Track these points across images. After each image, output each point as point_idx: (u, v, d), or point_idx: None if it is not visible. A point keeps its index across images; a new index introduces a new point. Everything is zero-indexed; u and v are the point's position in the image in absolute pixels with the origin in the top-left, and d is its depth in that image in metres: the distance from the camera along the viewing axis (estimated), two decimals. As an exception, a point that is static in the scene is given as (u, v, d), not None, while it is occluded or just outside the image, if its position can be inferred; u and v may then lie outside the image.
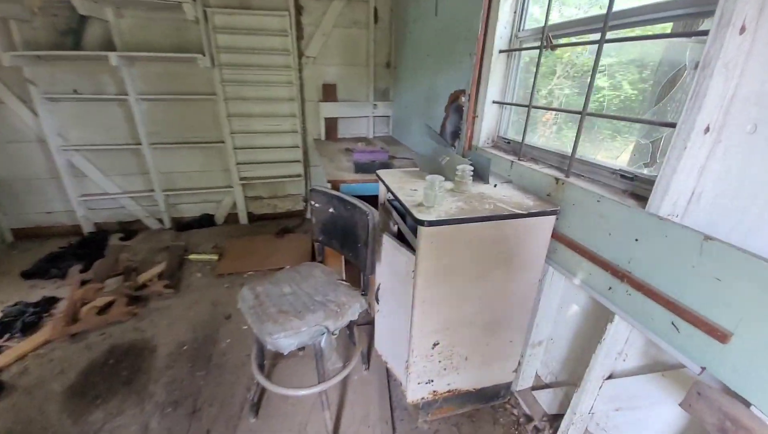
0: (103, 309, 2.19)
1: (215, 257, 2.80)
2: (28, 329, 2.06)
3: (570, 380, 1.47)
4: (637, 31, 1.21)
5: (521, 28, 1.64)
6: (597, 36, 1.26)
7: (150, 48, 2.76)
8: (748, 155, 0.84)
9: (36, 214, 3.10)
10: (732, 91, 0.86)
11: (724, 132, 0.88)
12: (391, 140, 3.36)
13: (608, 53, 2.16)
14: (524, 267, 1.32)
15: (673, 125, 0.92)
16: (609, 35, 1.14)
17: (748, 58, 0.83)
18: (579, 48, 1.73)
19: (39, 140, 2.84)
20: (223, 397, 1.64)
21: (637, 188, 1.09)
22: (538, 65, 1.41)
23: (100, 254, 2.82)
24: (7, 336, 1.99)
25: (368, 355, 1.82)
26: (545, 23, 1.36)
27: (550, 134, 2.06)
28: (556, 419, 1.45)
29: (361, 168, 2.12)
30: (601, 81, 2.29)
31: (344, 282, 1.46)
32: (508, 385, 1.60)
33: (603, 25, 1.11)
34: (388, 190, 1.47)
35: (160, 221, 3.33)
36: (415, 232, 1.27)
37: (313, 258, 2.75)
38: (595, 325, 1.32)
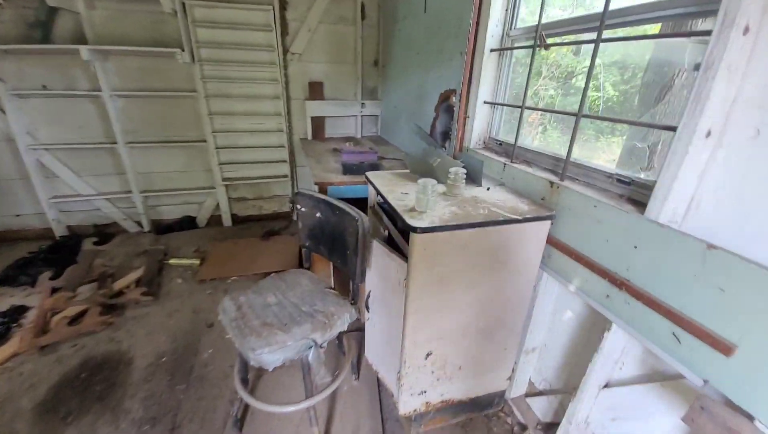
0: (76, 319, 2.07)
1: (197, 261, 2.68)
2: (-5, 341, 1.92)
3: (565, 388, 1.44)
4: (634, 31, 1.18)
5: (513, 26, 1.60)
6: (591, 35, 1.23)
7: (125, 42, 2.62)
8: (750, 161, 0.81)
9: (4, 217, 2.93)
10: (734, 95, 0.83)
11: (725, 136, 0.85)
12: (379, 140, 3.29)
13: (591, 55, 2.16)
14: (519, 273, 1.28)
15: (673, 129, 0.89)
16: (604, 34, 1.10)
17: (750, 60, 0.80)
18: (564, 49, 1.71)
19: (6, 138, 2.67)
20: (204, 412, 1.55)
21: (635, 193, 1.06)
22: (531, 65, 1.37)
23: (73, 260, 2.67)
24: (-30, 349, 1.85)
25: (358, 364, 1.76)
26: (539, 21, 1.32)
27: (536, 135, 2.04)
28: (550, 428, 1.42)
29: (349, 170, 2.05)
30: (583, 83, 2.28)
31: (332, 291, 1.40)
32: (501, 393, 1.56)
33: (599, 23, 1.07)
34: (378, 193, 1.41)
35: (139, 223, 3.19)
36: (406, 237, 1.21)
37: (300, 262, 2.67)
38: (590, 332, 1.29)
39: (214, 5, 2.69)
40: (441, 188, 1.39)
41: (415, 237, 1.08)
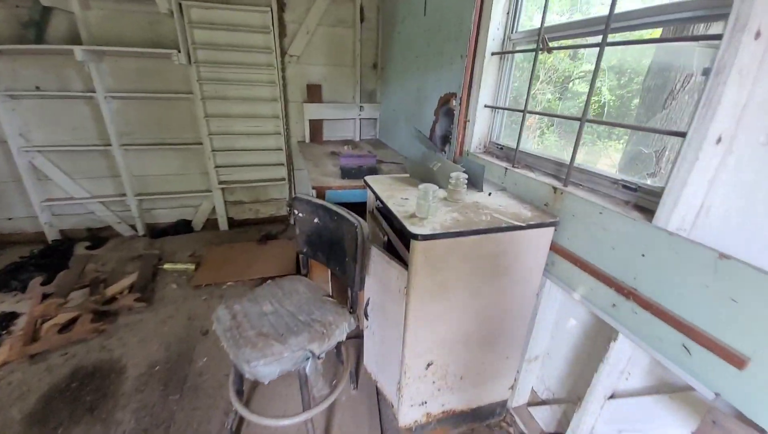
0: (67, 326, 2.02)
1: (192, 266, 2.64)
2: (-17, 349, 1.87)
3: (568, 397, 1.41)
4: (632, 36, 1.16)
5: (514, 30, 1.58)
6: (594, 39, 1.21)
7: (121, 42, 2.58)
8: (761, 167, 0.79)
9: (-6, 220, 2.87)
10: (745, 100, 0.80)
11: (735, 142, 0.83)
12: (378, 143, 3.26)
13: (588, 59, 2.15)
14: (522, 281, 1.26)
15: (682, 135, 0.87)
16: (609, 38, 1.08)
17: (762, 64, 0.78)
18: (562, 53, 1.69)
19: (-1, 140, 2.62)
20: (198, 424, 1.51)
21: (641, 200, 1.04)
22: (533, 68, 1.35)
23: (65, 265, 2.61)
24: (-42, 357, 1.80)
25: (356, 373, 1.72)
26: (542, 25, 1.29)
27: (533, 139, 2.02)
28: (554, 438, 1.39)
29: (347, 174, 2.02)
30: (581, 87, 2.28)
31: (331, 298, 1.36)
32: (503, 403, 1.53)
33: (605, 27, 1.05)
34: (377, 198, 1.38)
35: (133, 227, 3.14)
36: (406, 243, 1.18)
37: (297, 267, 2.63)
38: (595, 341, 1.27)
39: (211, 6, 2.66)
40: (442, 193, 1.36)
41: (416, 244, 1.05)
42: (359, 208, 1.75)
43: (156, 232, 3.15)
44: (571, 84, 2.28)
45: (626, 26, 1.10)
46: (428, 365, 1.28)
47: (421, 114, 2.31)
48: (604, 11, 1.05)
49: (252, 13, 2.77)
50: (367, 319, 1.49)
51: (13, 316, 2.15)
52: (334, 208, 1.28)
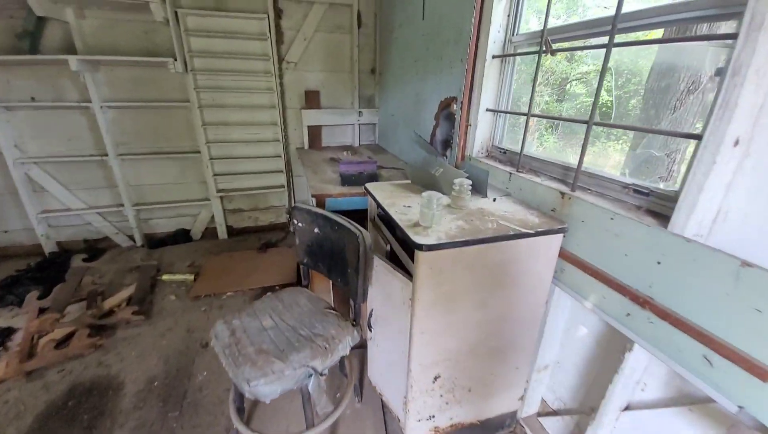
0: (63, 342, 1.97)
1: (191, 276, 2.59)
2: (-21, 366, 1.82)
3: (581, 407, 1.36)
4: (632, 36, 1.13)
5: (515, 32, 1.55)
6: (598, 40, 1.19)
7: (116, 52, 2.56)
8: (781, 170, 0.76)
9: (-10, 233, 2.83)
10: (762, 100, 0.77)
11: (752, 145, 0.79)
12: (377, 148, 3.23)
13: (586, 61, 2.14)
14: (530, 289, 1.22)
15: (698, 137, 0.83)
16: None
17: (779, 63, 0.75)
18: (559, 56, 1.67)
19: (-7, 152, 2.58)
20: (198, 442, 1.46)
21: (654, 205, 1.00)
22: (536, 71, 1.32)
23: (61, 278, 2.57)
24: (-48, 375, 1.75)
25: (361, 385, 1.67)
26: (544, 26, 1.27)
27: (532, 141, 1.99)
28: (566, 451, 1.34)
29: (347, 181, 1.98)
30: (578, 88, 2.26)
31: (333, 311, 1.32)
32: (513, 413, 1.48)
33: (611, 27, 1.02)
34: (379, 206, 1.34)
35: (131, 238, 3.09)
36: (409, 252, 1.14)
37: (298, 275, 2.58)
38: (607, 350, 1.22)
39: (207, 14, 2.64)
40: (445, 200, 1.32)
41: (420, 255, 1.01)
42: (360, 215, 1.71)
43: (154, 242, 3.11)
44: (568, 86, 2.26)
45: (631, 27, 1.08)
46: (435, 378, 1.23)
47: (421, 119, 2.28)
48: (603, 13, 1.02)
49: (249, 20, 2.75)
50: (370, 331, 1.45)
51: (9, 331, 2.11)
52: (335, 217, 1.24)
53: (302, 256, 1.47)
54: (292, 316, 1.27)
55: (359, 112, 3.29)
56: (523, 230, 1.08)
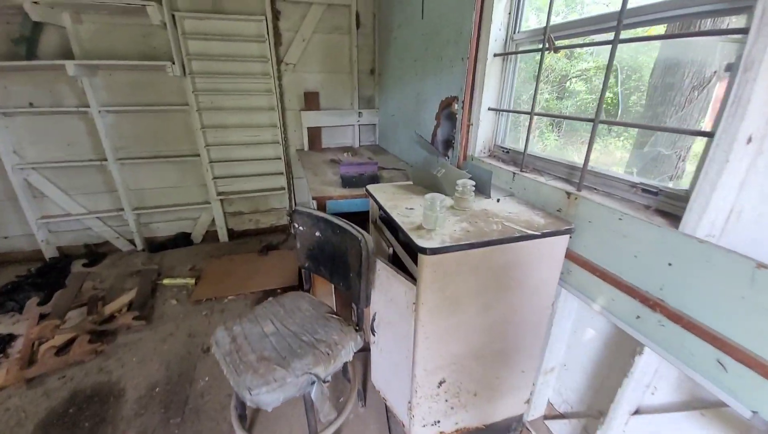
0: (64, 348, 1.95)
1: (192, 280, 2.57)
2: (-20, 373, 1.80)
3: (588, 410, 1.34)
4: (633, 33, 1.10)
5: (517, 30, 1.53)
6: (602, 36, 1.16)
7: (114, 56, 2.54)
8: (796, 168, 0.73)
9: (-9, 240, 2.81)
10: (775, 96, 0.75)
11: (766, 142, 0.77)
12: (378, 149, 3.21)
13: (585, 58, 2.11)
14: (536, 291, 1.19)
15: (709, 135, 0.81)
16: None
17: (793, 57, 0.72)
18: (559, 53, 1.65)
19: (-9, 158, 2.57)
20: (200, 449, 1.44)
21: (663, 204, 0.98)
22: (540, 69, 1.30)
23: (62, 283, 2.55)
24: (-47, 383, 1.73)
25: (364, 389, 1.65)
26: (547, 23, 1.24)
27: (534, 140, 1.97)
28: (575, 456, 1.32)
29: (348, 182, 1.96)
30: (578, 85, 2.23)
31: (335, 316, 1.30)
32: (519, 417, 1.46)
33: (617, 23, 1.00)
34: (381, 208, 1.32)
35: (132, 242, 3.08)
36: (413, 256, 1.12)
37: (300, 278, 2.56)
38: (615, 352, 1.20)
39: (204, 17, 2.62)
40: (448, 201, 1.30)
41: (424, 259, 0.99)
42: (362, 217, 1.69)
43: (155, 246, 3.10)
44: (568, 83, 2.24)
45: (636, 23, 1.05)
46: (440, 383, 1.21)
47: (421, 119, 2.26)
48: (603, 9, 0.99)
49: (247, 22, 2.73)
50: (373, 335, 1.43)
51: (10, 338, 2.09)
52: (336, 221, 1.22)
53: (303, 260, 1.45)
54: (293, 321, 1.25)
55: (359, 113, 3.27)
56: (529, 232, 1.05)
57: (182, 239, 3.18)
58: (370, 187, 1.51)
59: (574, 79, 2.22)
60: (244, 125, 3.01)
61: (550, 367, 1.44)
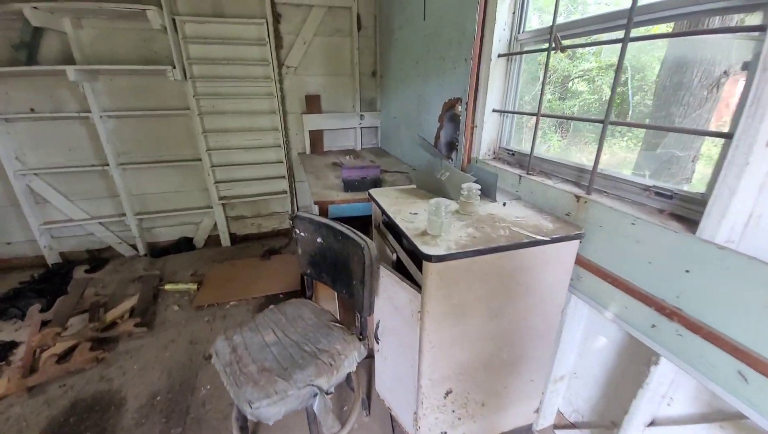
0: (65, 356, 1.94)
1: (194, 286, 2.55)
2: (-17, 381, 1.79)
3: (601, 421, 1.30)
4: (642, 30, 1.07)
5: (521, 30, 1.50)
6: (610, 35, 1.13)
7: (115, 61, 2.53)
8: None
9: (-7, 246, 2.81)
10: (795, 95, 0.71)
11: (787, 143, 0.73)
12: (380, 152, 3.19)
13: (588, 58, 2.08)
14: (545, 298, 1.15)
15: (728, 136, 0.77)
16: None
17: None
18: (562, 53, 1.62)
19: (-6, 164, 2.57)
20: (201, 461, 1.41)
21: (678, 208, 0.94)
22: (546, 69, 1.26)
23: (64, 289, 2.54)
24: (-45, 392, 1.72)
25: (369, 397, 1.62)
26: (553, 22, 1.21)
27: (537, 140, 1.92)
28: (586, 468, 1.28)
29: (350, 186, 1.93)
30: (580, 86, 2.19)
31: (338, 324, 1.26)
32: (528, 427, 1.42)
33: (627, 21, 0.96)
34: (384, 213, 1.29)
35: (134, 247, 3.07)
36: (418, 263, 1.09)
37: (302, 284, 2.53)
38: (629, 361, 1.16)
39: (205, 21, 2.61)
40: (453, 206, 1.26)
41: (429, 266, 0.96)
42: (365, 221, 1.66)
43: (157, 251, 3.08)
44: (570, 84, 2.20)
45: (646, 20, 1.02)
46: (447, 393, 1.17)
47: (424, 121, 2.23)
48: (607, 9, 0.96)
49: (247, 25, 2.71)
50: (377, 343, 1.39)
51: (12, 345, 2.08)
52: (338, 227, 1.19)
53: (305, 266, 1.42)
54: (295, 330, 1.22)
55: (361, 115, 3.24)
56: (538, 237, 1.02)
57: (185, 244, 3.17)
58: (373, 191, 1.48)
59: (576, 80, 2.19)
60: (246, 129, 3.00)
61: (559, 375, 1.40)
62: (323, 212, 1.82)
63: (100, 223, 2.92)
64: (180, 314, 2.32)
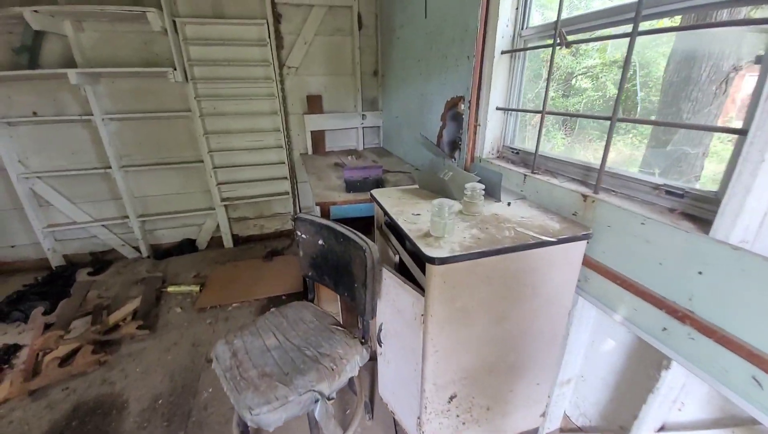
0: (67, 359, 1.93)
1: (196, 288, 2.55)
2: (-13, 384, 1.79)
3: (609, 425, 1.27)
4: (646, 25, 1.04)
5: (525, 26, 1.47)
6: (618, 29, 1.10)
7: (116, 63, 2.53)
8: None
9: (-3, 249, 2.82)
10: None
11: (803, 139, 0.70)
12: (382, 151, 3.17)
13: (591, 55, 2.04)
14: (552, 300, 1.13)
15: (742, 132, 0.74)
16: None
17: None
18: (565, 50, 1.59)
19: (-3, 168, 2.57)
20: (203, 465, 1.40)
21: (689, 207, 0.91)
22: (551, 65, 1.24)
23: (68, 292, 2.54)
24: (-42, 395, 1.72)
25: (371, 401, 1.59)
26: (558, 17, 1.18)
27: (544, 139, 1.90)
28: (595, 473, 1.25)
29: (352, 187, 1.91)
30: (583, 83, 2.16)
31: (340, 328, 1.24)
32: (534, 431, 1.39)
33: (635, 14, 0.93)
34: (386, 214, 1.27)
35: (137, 249, 3.07)
36: (421, 265, 1.07)
37: (304, 285, 2.52)
38: (638, 365, 1.13)
39: (205, 22, 2.60)
40: (457, 206, 1.24)
41: (432, 269, 0.94)
42: (367, 222, 1.64)
43: (160, 253, 3.08)
44: (574, 81, 2.17)
45: (654, 14, 0.99)
46: (451, 398, 1.15)
47: (426, 120, 2.21)
48: (609, 3, 0.93)
49: (248, 26, 2.70)
50: (380, 346, 1.37)
51: (16, 348, 2.08)
52: (340, 229, 1.17)
53: (307, 269, 1.40)
54: (296, 334, 1.20)
55: (362, 115, 3.22)
56: (544, 238, 0.99)
57: (187, 246, 3.17)
58: (375, 192, 1.46)
59: (579, 77, 2.16)
60: (247, 130, 2.99)
61: (566, 379, 1.37)
62: (325, 213, 1.81)
63: (103, 225, 2.93)
64: (182, 316, 2.31)
